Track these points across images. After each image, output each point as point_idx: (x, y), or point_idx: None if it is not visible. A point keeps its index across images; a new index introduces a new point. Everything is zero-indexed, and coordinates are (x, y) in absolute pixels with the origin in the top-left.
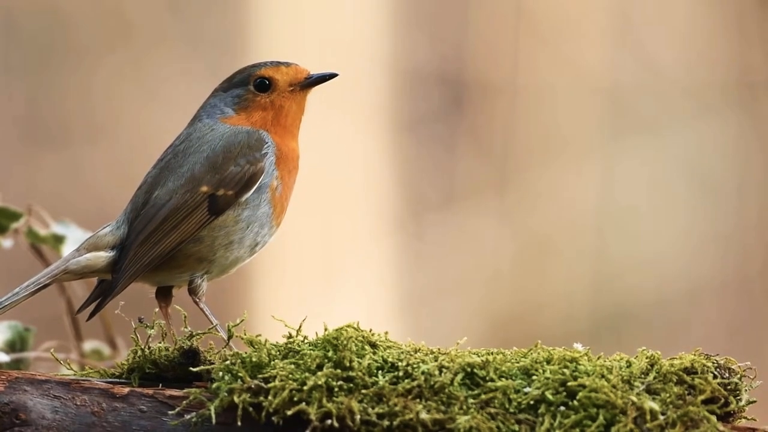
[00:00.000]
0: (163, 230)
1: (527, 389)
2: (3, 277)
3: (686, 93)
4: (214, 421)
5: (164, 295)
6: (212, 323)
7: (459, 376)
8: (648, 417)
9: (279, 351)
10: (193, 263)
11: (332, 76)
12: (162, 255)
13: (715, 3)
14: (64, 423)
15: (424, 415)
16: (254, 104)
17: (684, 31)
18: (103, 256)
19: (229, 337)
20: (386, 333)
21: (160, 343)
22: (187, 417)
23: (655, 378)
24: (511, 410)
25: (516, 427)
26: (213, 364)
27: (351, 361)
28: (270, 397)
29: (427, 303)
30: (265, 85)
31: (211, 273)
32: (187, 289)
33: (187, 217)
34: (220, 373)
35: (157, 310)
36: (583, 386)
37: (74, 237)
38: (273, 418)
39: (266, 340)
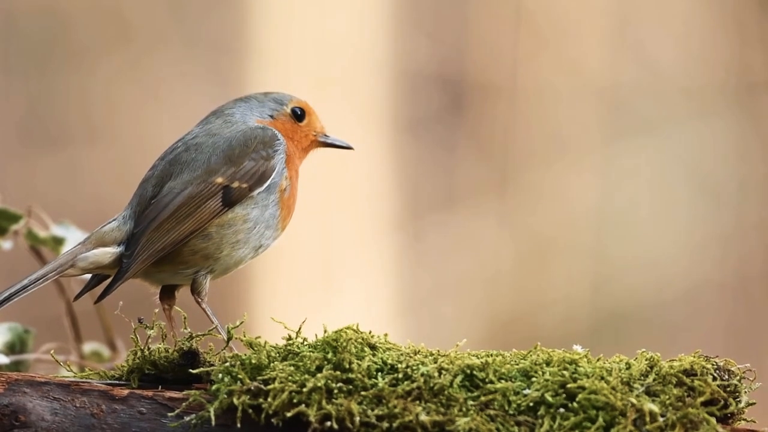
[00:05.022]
0: (177, 218)
1: (527, 391)
2: (3, 278)
3: (686, 93)
4: (213, 422)
5: (168, 296)
6: (213, 323)
7: (458, 378)
8: (647, 419)
9: (278, 353)
10: (199, 260)
11: (348, 148)
12: (174, 243)
13: (715, 3)
14: (64, 425)
15: (423, 417)
16: (287, 123)
17: (684, 32)
18: (111, 252)
19: (229, 339)
20: (386, 335)
21: (159, 344)
22: (187, 419)
23: (654, 380)
24: (511, 412)
25: (515, 429)
26: (212, 365)
27: (350, 363)
28: (269, 399)
29: (427, 304)
30: (298, 115)
31: (215, 271)
32: (190, 288)
33: (201, 207)
34: (220, 375)
35: (157, 310)
36: (583, 388)
37: (74, 238)
38: (272, 420)
39: (266, 342)
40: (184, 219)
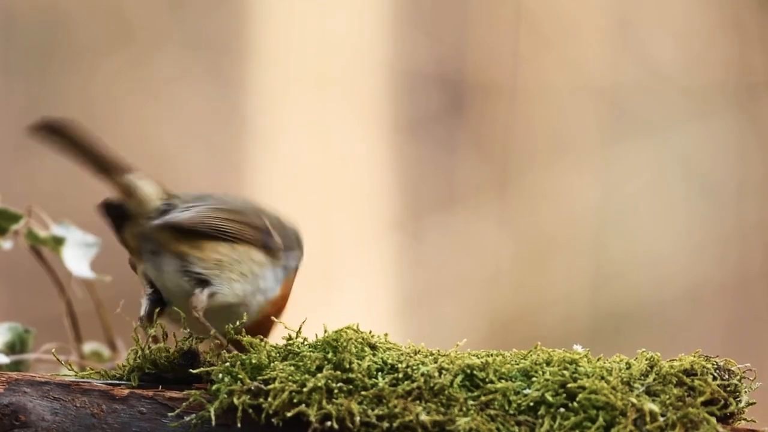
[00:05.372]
0: (229, 212)
1: (527, 391)
2: (3, 278)
3: (686, 93)
4: (213, 422)
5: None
6: (210, 330)
7: (459, 378)
8: (648, 419)
9: (279, 353)
10: (213, 261)
11: None
12: (218, 229)
13: (715, 3)
14: (64, 425)
15: (423, 417)
16: (291, 279)
17: (684, 32)
18: (156, 193)
19: (229, 339)
20: (386, 335)
21: (160, 343)
22: (187, 419)
23: (654, 380)
24: (511, 412)
25: (516, 429)
26: (213, 365)
27: (351, 363)
28: (270, 399)
29: (427, 304)
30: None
31: (214, 294)
32: (188, 303)
33: (247, 225)
34: (220, 375)
35: (157, 310)
36: (583, 388)
37: (74, 238)
38: (273, 420)
39: (266, 342)
40: (233, 218)
